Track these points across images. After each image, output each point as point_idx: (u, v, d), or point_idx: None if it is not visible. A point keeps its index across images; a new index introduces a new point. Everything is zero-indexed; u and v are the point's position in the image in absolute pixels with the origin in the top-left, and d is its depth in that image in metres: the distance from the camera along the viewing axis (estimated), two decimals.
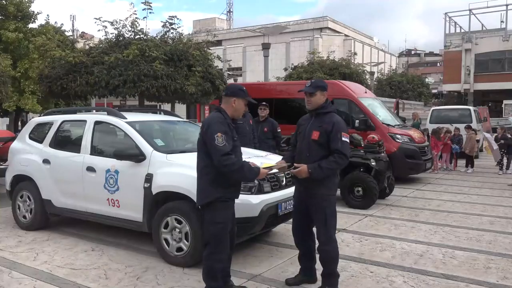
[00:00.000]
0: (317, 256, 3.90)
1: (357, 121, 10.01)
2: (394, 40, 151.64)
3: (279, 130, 7.92)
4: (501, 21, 38.07)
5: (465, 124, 13.51)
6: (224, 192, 3.45)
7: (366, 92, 11.74)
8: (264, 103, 7.87)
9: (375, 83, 30.44)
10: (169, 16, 11.55)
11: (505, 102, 32.27)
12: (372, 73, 27.37)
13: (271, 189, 4.69)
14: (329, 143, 3.65)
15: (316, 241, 3.90)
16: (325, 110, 3.77)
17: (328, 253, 3.74)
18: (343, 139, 3.64)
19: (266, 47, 16.74)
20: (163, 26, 11.53)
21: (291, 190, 4.96)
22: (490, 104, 35.03)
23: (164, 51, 10.32)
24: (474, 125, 14.41)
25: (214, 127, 3.37)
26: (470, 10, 38.08)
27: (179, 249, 4.47)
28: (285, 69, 23.68)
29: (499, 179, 10.79)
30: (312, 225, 3.91)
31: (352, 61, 22.18)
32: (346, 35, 44.00)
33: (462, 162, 12.70)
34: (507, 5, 36.54)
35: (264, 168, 3.68)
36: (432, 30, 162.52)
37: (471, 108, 17.29)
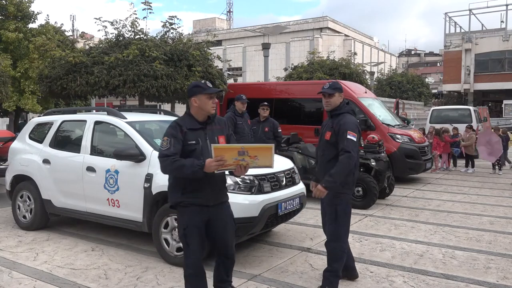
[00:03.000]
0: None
1: (357, 121, 10.01)
2: (394, 40, 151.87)
3: (280, 130, 7.92)
4: (501, 21, 38.06)
5: (466, 124, 13.52)
6: (183, 197, 3.21)
7: (366, 92, 11.73)
8: (265, 103, 7.87)
9: (375, 83, 30.41)
10: (169, 16, 11.56)
11: (505, 102, 32.25)
12: (372, 73, 27.35)
13: (271, 189, 4.70)
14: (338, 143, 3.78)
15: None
16: (339, 111, 3.89)
17: (333, 249, 3.84)
18: (349, 137, 3.72)
19: (266, 47, 16.72)
20: (163, 26, 11.54)
21: (291, 190, 4.99)
22: (490, 104, 35.02)
23: (164, 51, 10.32)
24: (474, 125, 14.42)
25: (165, 131, 3.26)
26: (470, 10, 38.09)
27: (179, 249, 4.46)
28: (285, 69, 23.66)
29: (499, 179, 10.79)
30: None
31: (352, 61, 22.15)
32: (346, 35, 43.98)
33: (462, 162, 12.70)
34: (507, 5, 36.52)
35: (216, 159, 2.97)
36: (433, 30, 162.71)
37: (471, 108, 17.29)
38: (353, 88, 11.33)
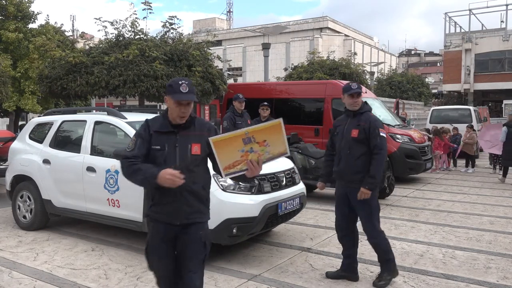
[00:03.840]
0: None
1: None
2: (395, 40, 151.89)
3: None
4: (501, 21, 38.07)
5: (467, 124, 13.53)
6: (150, 210, 2.80)
7: (366, 92, 11.72)
8: (265, 103, 7.86)
9: (375, 83, 30.42)
10: (169, 16, 11.55)
11: (505, 102, 32.20)
12: (372, 73, 27.35)
13: (271, 189, 4.70)
14: (369, 140, 3.93)
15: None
16: (363, 110, 4.06)
17: (378, 245, 4.04)
18: (381, 134, 3.93)
19: (266, 47, 16.73)
20: (163, 26, 11.53)
21: (291, 190, 4.99)
22: (490, 104, 34.99)
23: (164, 51, 10.32)
24: (474, 125, 14.43)
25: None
26: (470, 10, 38.09)
27: None
28: (285, 69, 23.66)
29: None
30: (356, 220, 4.12)
31: (352, 61, 22.15)
32: (346, 35, 43.98)
33: (462, 162, 12.70)
34: (507, 5, 36.52)
35: (171, 170, 2.55)
36: (433, 30, 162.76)
37: (471, 108, 17.29)
38: None
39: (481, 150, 16.12)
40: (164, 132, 2.71)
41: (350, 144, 3.99)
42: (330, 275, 4.21)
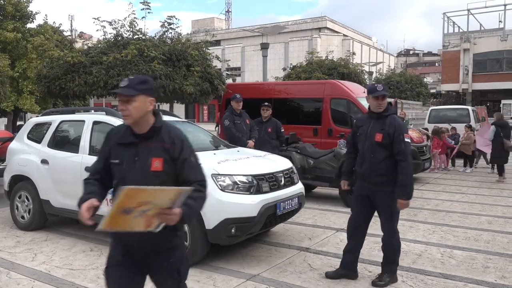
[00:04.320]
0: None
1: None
2: (393, 40, 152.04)
3: (283, 130, 7.90)
4: (499, 21, 38.18)
5: (465, 124, 13.55)
6: None
7: (364, 92, 11.73)
8: (266, 103, 7.86)
9: (374, 83, 30.48)
10: (168, 16, 11.57)
11: (503, 101, 32.29)
12: (370, 73, 27.40)
13: (270, 189, 4.70)
14: (393, 145, 3.89)
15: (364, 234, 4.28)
16: (387, 113, 4.00)
17: (393, 244, 4.08)
18: (406, 140, 3.90)
19: (264, 47, 16.74)
20: (161, 26, 11.53)
21: (290, 190, 5.00)
22: (488, 104, 35.04)
23: (162, 51, 10.32)
24: (472, 124, 14.46)
25: None
26: (468, 10, 38.16)
27: None
28: (284, 69, 23.69)
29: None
30: (370, 221, 4.22)
31: (351, 61, 22.19)
32: (344, 35, 44.04)
33: (460, 162, 12.72)
34: (505, 5, 36.60)
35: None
36: (432, 30, 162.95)
37: (470, 107, 17.32)
38: (352, 88, 11.35)
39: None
40: (124, 144, 2.30)
41: (374, 147, 3.96)
42: (329, 275, 4.21)
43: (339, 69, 19.53)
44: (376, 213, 4.18)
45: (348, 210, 7.01)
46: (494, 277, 4.28)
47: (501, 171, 10.49)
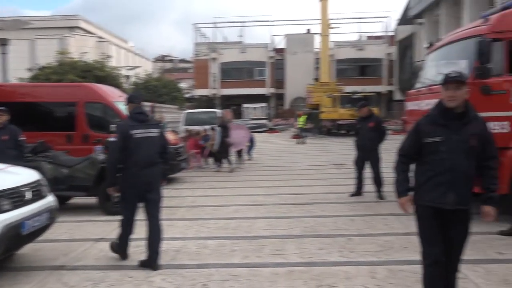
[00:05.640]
0: None
1: (113, 125, 9.84)
2: (151, 45, 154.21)
3: (23, 138, 7.02)
4: (239, 36, 44.19)
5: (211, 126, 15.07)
6: None
7: (121, 96, 11.63)
8: (2, 108, 6.84)
9: (132, 87, 30.45)
10: None
11: (244, 105, 37.50)
12: (128, 77, 27.28)
13: (13, 207, 4.14)
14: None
15: None
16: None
17: None
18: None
19: (3, 43, 14.64)
20: None
21: (38, 205, 4.52)
22: (234, 107, 39.98)
23: None
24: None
25: None
26: (214, 23, 42.67)
27: None
28: (30, 69, 21.11)
29: (240, 172, 12.40)
30: None
31: (107, 64, 21.58)
32: (100, 37, 42.37)
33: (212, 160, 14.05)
34: (244, 22, 42.66)
35: None
36: (186, 38, 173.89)
37: (218, 110, 19.39)
38: (108, 91, 11.11)
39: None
40: None
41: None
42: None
43: (94, 72, 18.74)
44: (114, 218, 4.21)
45: (107, 217, 6.85)
46: (239, 258, 4.92)
47: (221, 163, 12.67)
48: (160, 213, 4.74)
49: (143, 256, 4.74)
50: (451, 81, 2.97)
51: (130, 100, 4.86)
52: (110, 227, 6.33)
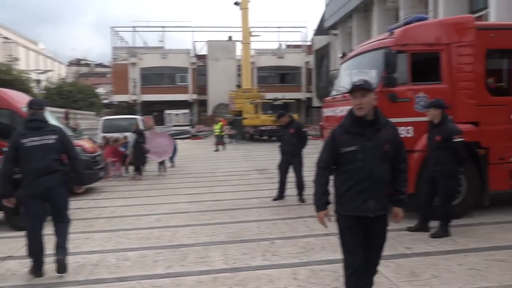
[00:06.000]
0: None
1: None
2: (65, 48, 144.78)
3: None
4: (160, 41, 43.36)
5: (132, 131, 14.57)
6: None
7: None
8: None
9: (43, 92, 28.46)
10: None
11: (166, 111, 36.79)
12: (38, 81, 25.46)
13: None
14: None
15: None
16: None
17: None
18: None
19: None
20: None
21: None
22: (155, 113, 39.07)
23: None
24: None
25: None
26: (134, 27, 41.38)
27: None
28: None
29: (163, 179, 12.13)
30: None
31: (14, 67, 19.96)
32: (6, 38, 39.04)
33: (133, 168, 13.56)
34: (164, 27, 41.95)
35: None
36: (103, 42, 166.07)
37: (138, 117, 18.80)
38: (15, 97, 10.24)
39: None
40: None
41: None
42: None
43: (0, 76, 17.20)
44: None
45: (16, 233, 6.29)
46: (162, 268, 4.79)
47: (140, 171, 12.48)
48: (67, 215, 4.73)
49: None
50: (357, 89, 3.04)
51: (28, 106, 4.78)
52: (19, 243, 5.84)
